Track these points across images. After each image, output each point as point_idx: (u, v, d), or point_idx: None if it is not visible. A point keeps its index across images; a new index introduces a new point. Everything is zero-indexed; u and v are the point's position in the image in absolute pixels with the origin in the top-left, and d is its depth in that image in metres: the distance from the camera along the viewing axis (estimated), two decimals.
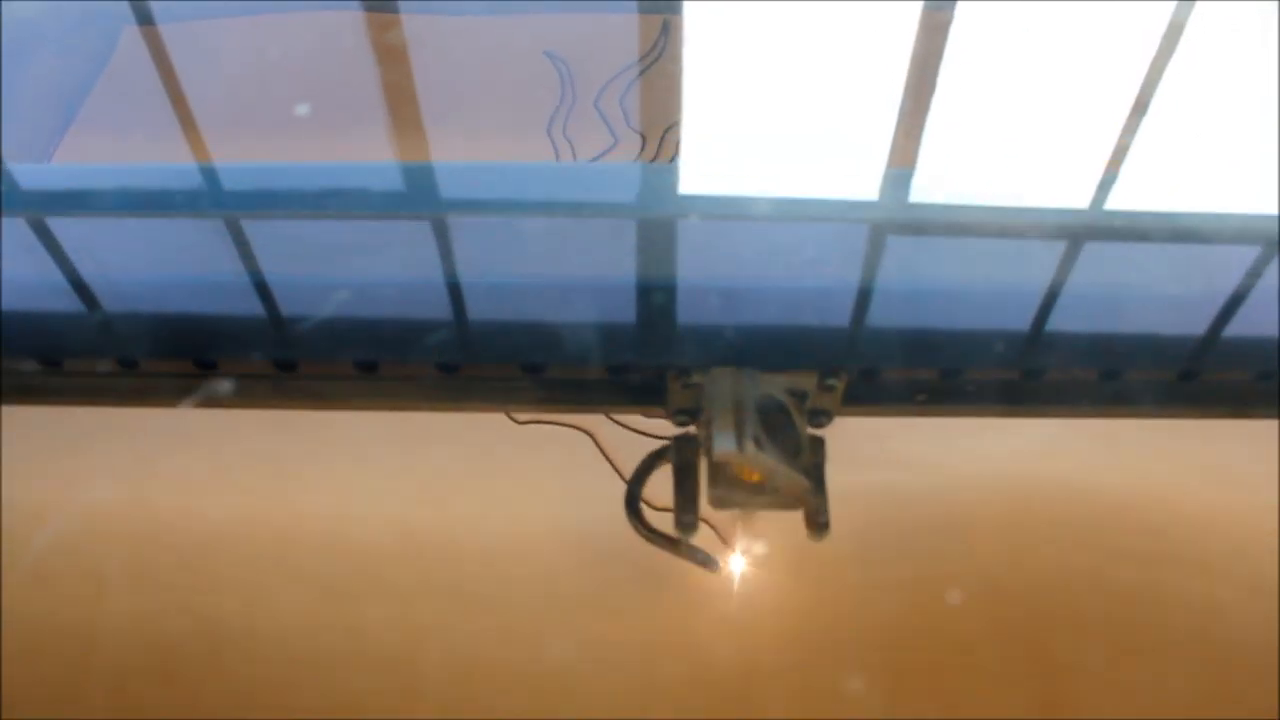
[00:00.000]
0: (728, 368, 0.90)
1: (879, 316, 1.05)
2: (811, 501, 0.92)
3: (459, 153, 1.51)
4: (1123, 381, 1.07)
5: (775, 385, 0.91)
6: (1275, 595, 1.00)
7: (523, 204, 1.14)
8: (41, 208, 1.10)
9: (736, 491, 0.90)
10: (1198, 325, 1.19)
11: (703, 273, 1.10)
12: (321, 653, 1.00)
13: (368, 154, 1.49)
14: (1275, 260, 1.22)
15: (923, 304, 1.13)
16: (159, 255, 1.04)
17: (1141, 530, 1.07)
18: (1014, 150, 1.37)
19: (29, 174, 1.18)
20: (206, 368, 0.91)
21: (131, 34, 1.66)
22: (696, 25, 1.62)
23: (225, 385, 0.91)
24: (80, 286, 0.98)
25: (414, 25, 1.64)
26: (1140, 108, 1.37)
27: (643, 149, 1.50)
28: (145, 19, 1.65)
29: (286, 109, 1.59)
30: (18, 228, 1.02)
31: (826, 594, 1.04)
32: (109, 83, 1.64)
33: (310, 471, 1.11)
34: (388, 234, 1.10)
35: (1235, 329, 1.18)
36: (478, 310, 1.01)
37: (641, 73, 1.55)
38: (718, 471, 0.90)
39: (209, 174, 1.34)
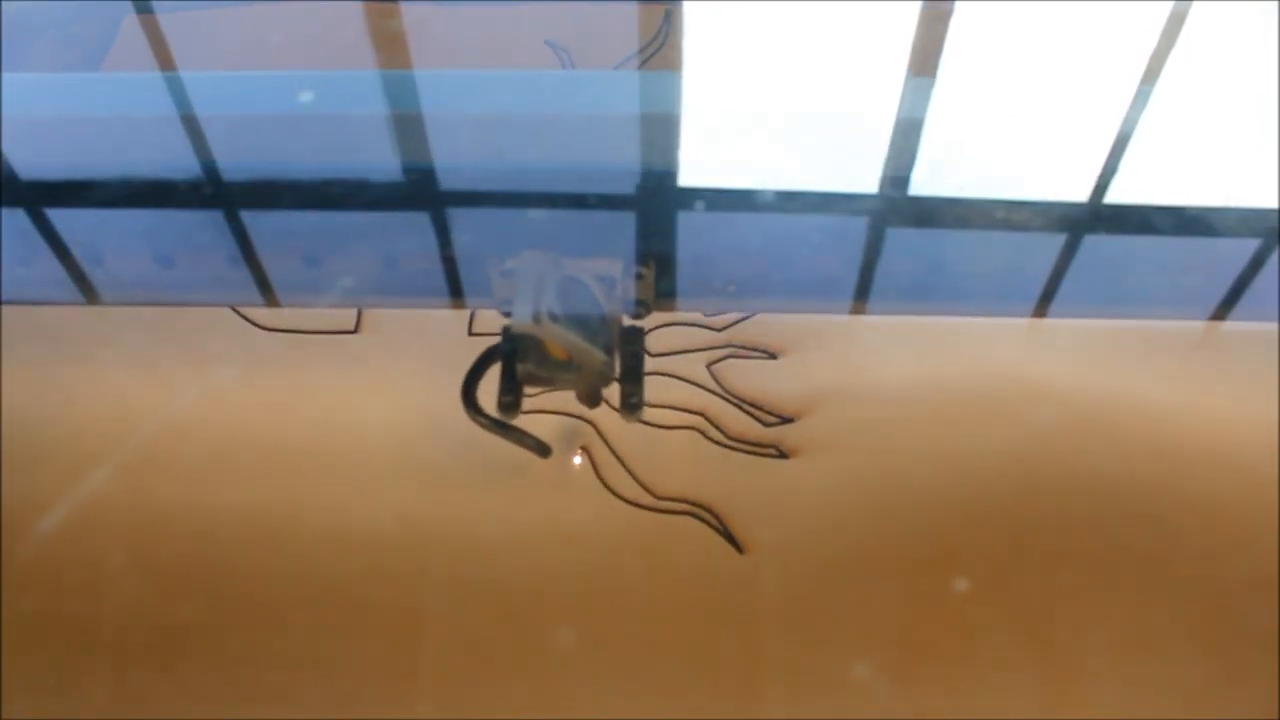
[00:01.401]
0: (535, 252, 0.94)
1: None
2: (620, 382, 1.00)
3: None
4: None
5: (583, 270, 0.96)
6: (1274, 493, 1.02)
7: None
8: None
9: (543, 368, 0.97)
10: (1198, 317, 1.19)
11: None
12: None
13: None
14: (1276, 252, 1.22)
15: None
16: None
17: (1137, 433, 1.09)
18: (1015, 143, 1.37)
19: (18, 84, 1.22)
20: None
21: (131, 23, 1.65)
22: (697, 14, 1.60)
23: None
24: None
25: (413, 13, 1.63)
26: (1140, 101, 1.36)
27: None
28: (144, 7, 1.65)
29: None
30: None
31: (814, 472, 1.07)
32: (110, 71, 1.64)
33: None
34: None
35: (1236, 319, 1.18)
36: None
37: (643, 62, 1.54)
38: (525, 348, 0.96)
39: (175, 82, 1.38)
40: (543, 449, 1.04)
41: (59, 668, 0.98)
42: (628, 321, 1.03)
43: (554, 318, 0.92)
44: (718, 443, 1.07)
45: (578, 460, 1.07)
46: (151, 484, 1.08)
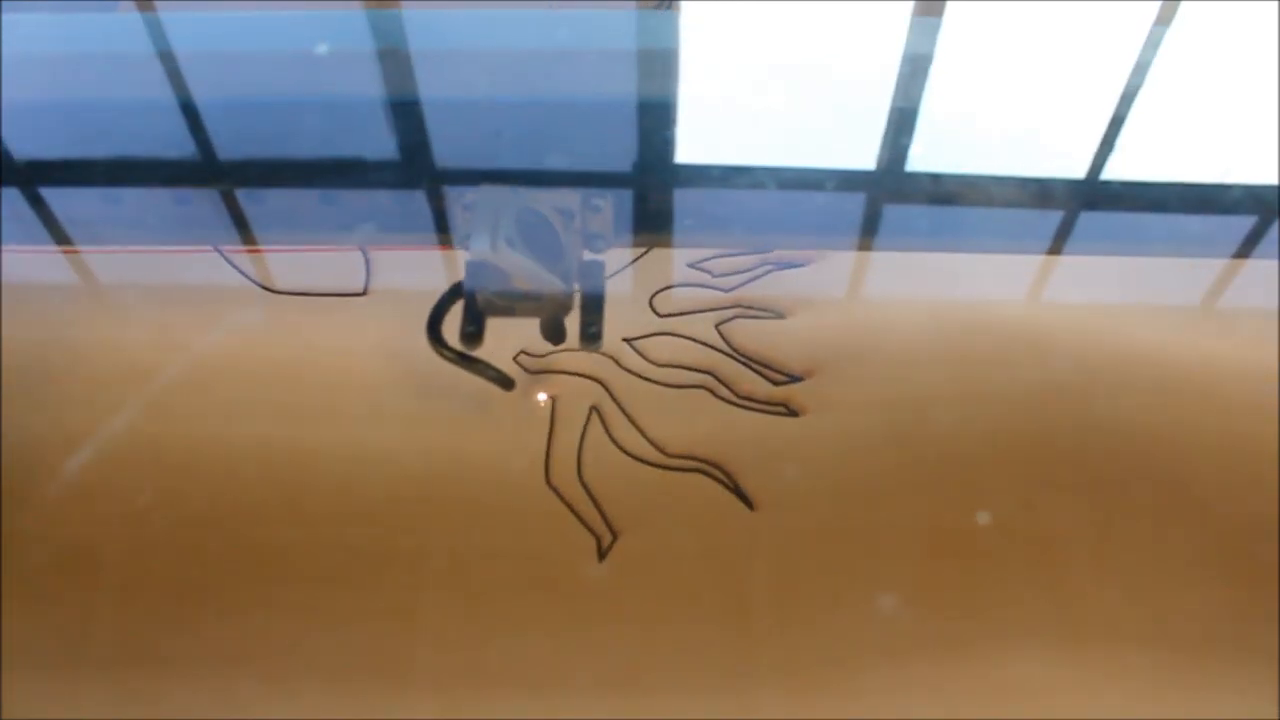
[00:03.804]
0: (493, 184, 0.98)
1: None
2: (580, 310, 1.03)
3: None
4: None
5: (541, 202, 0.99)
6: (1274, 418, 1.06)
7: None
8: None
9: (503, 296, 0.99)
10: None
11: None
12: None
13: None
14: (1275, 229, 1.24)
15: None
16: None
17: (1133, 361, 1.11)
18: (1011, 120, 1.38)
19: None
20: None
21: None
22: None
23: None
24: None
25: None
26: (1137, 75, 1.38)
27: None
28: None
29: None
30: None
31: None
32: None
33: None
34: None
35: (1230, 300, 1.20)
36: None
37: None
38: (485, 277, 0.98)
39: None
40: (505, 381, 1.05)
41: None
42: (588, 256, 1.05)
43: (511, 245, 0.94)
44: (727, 400, 1.07)
45: (542, 398, 1.09)
46: (152, 425, 1.07)
